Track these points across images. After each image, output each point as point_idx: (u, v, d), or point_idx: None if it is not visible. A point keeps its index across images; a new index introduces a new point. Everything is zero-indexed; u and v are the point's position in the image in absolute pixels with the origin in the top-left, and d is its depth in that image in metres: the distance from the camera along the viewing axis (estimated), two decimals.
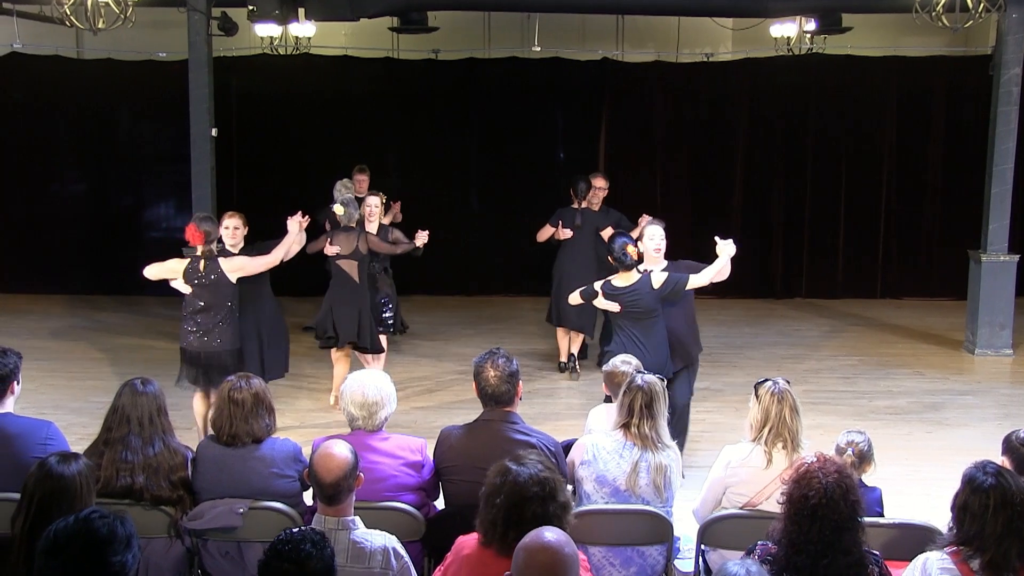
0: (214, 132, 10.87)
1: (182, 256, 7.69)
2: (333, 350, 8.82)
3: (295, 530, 3.39)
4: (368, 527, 4.03)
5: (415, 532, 4.65)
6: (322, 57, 13.52)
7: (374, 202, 9.06)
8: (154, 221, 14.18)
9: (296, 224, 7.90)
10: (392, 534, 4.04)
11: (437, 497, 4.99)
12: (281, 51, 13.46)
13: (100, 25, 7.97)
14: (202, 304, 7.46)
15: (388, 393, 4.87)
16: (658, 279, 6.95)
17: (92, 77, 13.45)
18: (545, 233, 9.96)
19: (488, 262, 13.70)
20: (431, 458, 4.91)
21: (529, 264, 13.84)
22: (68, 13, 8.02)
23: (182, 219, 12.87)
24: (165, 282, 7.61)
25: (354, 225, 8.78)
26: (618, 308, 7.00)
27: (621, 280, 7.01)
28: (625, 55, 13.63)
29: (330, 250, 8.70)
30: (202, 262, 7.46)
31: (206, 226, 7.51)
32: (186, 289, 7.49)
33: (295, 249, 8.03)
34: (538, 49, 12.21)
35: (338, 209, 8.74)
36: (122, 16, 8.07)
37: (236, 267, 7.54)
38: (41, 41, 12.53)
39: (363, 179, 10.78)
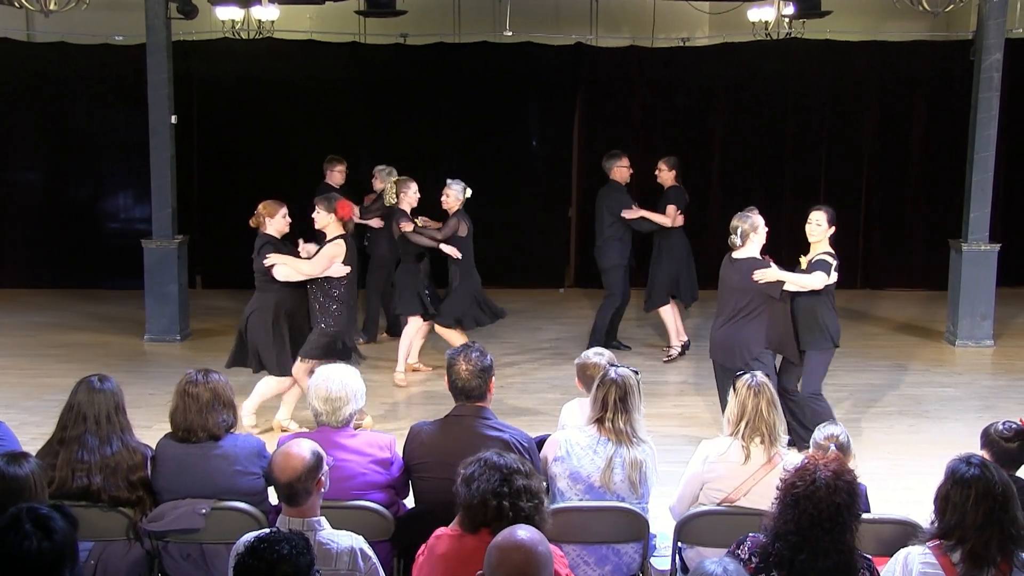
0: (174, 119, 10.65)
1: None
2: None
3: (281, 531, 3.34)
4: (335, 527, 3.98)
5: (384, 531, 4.60)
6: (286, 41, 13.23)
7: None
8: (112, 212, 13.72)
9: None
10: (360, 534, 3.99)
11: (407, 495, 4.94)
12: (243, 35, 13.19)
13: (52, 6, 7.76)
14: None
15: (354, 389, 4.80)
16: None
17: (44, 61, 13.00)
18: (673, 214, 9.84)
19: None
20: (400, 455, 4.83)
21: (503, 253, 13.74)
22: None
23: (141, 210, 12.63)
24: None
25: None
26: None
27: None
28: (599, 40, 13.45)
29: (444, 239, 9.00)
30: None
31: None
32: (346, 270, 7.48)
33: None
34: (510, 34, 12.03)
35: (468, 192, 9.10)
36: None
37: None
38: None
39: (341, 169, 10.59)
